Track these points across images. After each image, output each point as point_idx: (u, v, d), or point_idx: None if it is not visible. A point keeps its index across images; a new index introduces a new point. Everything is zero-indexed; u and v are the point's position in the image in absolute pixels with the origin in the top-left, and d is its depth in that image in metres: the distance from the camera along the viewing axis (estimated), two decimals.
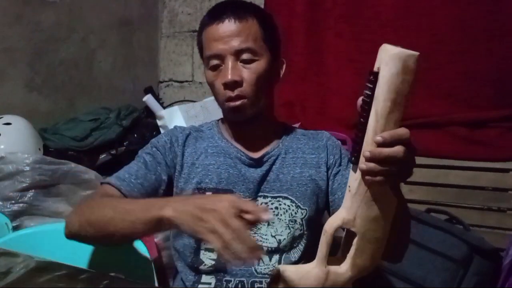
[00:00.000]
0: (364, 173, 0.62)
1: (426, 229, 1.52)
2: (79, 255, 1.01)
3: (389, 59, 0.61)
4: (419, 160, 1.99)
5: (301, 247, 0.98)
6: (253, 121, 0.97)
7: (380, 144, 0.60)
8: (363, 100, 0.63)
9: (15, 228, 1.38)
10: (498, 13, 1.64)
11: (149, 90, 2.35)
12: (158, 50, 2.58)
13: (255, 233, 0.94)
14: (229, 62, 0.91)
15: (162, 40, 2.57)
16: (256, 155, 0.99)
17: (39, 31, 1.98)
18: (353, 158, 0.65)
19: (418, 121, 1.76)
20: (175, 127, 1.05)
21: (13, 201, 1.45)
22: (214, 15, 0.95)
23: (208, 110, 1.88)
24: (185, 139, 1.00)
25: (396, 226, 0.74)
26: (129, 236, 0.83)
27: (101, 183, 0.95)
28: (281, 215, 0.96)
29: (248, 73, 0.92)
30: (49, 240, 1.16)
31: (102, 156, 1.94)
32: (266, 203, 0.96)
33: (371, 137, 0.62)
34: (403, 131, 0.61)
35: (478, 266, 1.42)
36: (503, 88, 1.65)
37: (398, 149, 0.60)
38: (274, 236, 0.95)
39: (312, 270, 0.69)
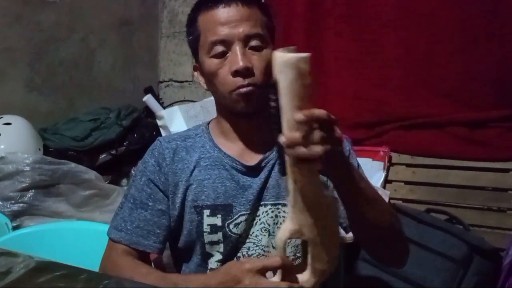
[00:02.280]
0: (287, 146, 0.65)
1: (426, 229, 1.52)
2: (79, 255, 1.01)
3: (283, 67, 0.61)
4: (419, 160, 1.97)
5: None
6: (257, 115, 0.90)
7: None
8: (271, 113, 0.65)
9: (15, 228, 1.38)
10: (498, 13, 1.63)
11: (149, 90, 2.35)
12: (158, 50, 2.57)
13: (256, 246, 0.90)
14: (239, 48, 0.84)
15: (162, 40, 2.57)
16: (253, 161, 0.92)
17: (39, 31, 1.98)
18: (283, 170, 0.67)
19: (418, 121, 1.76)
20: (159, 140, 0.97)
21: (13, 201, 1.45)
22: None
23: (208, 110, 1.88)
24: (173, 154, 0.93)
25: (378, 223, 0.77)
26: None
27: (109, 237, 0.93)
28: (281, 224, 0.90)
29: (258, 60, 0.85)
30: (49, 240, 1.17)
31: (102, 156, 1.93)
32: (266, 211, 0.90)
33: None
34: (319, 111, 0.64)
35: (478, 266, 1.43)
36: (503, 88, 1.64)
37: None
38: (276, 247, 0.89)
39: (279, 285, 0.71)
